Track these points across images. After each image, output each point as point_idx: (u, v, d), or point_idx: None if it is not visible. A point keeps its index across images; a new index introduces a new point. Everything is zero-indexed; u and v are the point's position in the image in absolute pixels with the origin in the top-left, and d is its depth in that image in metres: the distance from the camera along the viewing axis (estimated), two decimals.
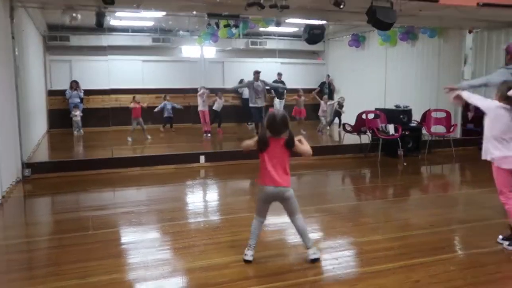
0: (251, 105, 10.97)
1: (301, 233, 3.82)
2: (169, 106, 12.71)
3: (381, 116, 9.74)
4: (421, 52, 12.20)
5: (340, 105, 12.61)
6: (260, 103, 10.93)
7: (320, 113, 12.36)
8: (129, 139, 10.75)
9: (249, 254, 3.80)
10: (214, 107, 12.59)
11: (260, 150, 3.73)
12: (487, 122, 4.07)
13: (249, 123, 13.73)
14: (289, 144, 3.72)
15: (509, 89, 3.92)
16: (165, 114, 12.74)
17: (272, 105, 14.50)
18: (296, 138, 3.79)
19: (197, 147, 9.91)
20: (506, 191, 4.02)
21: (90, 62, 13.47)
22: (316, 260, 3.77)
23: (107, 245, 4.24)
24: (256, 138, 3.79)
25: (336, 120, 12.69)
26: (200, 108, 11.71)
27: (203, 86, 12.13)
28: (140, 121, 11.13)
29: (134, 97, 11.36)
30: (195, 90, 12.39)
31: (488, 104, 4.05)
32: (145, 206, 5.74)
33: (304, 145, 3.80)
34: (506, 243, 4.13)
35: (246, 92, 14.03)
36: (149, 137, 11.00)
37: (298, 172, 7.84)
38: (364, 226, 4.80)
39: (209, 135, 11.46)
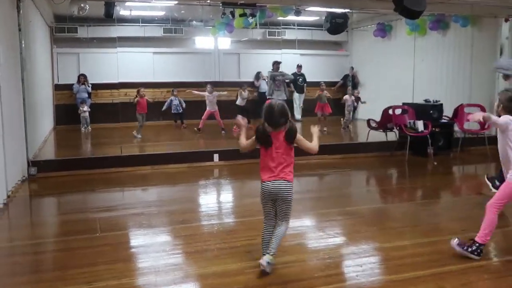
0: (268, 97, 10.86)
1: (277, 238, 3.67)
2: (175, 102, 12.62)
3: (409, 112, 9.64)
4: (452, 42, 12.02)
5: (357, 98, 12.50)
6: (280, 96, 10.77)
7: (346, 108, 12.14)
8: (138, 135, 10.77)
9: (263, 260, 3.66)
10: (238, 102, 12.48)
11: (264, 147, 3.68)
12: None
13: None
14: (289, 137, 3.63)
15: (510, 99, 3.86)
16: (173, 110, 12.65)
17: (292, 100, 14.48)
18: (311, 130, 3.78)
19: (211, 144, 9.94)
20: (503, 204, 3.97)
21: (99, 55, 13.60)
22: (266, 267, 3.57)
23: (116, 249, 4.28)
24: (254, 137, 3.73)
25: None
26: (208, 108, 11.63)
27: (209, 83, 12.00)
28: (144, 116, 11.09)
29: (138, 90, 11.28)
30: (210, 84, 12.35)
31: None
32: (156, 207, 5.78)
33: (313, 141, 3.75)
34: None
35: (263, 86, 14.03)
36: (139, 136, 10.86)
37: (319, 172, 7.81)
38: (391, 231, 4.76)
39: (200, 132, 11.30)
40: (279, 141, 3.65)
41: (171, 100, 12.64)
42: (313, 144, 3.77)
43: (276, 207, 3.72)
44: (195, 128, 11.57)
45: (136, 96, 11.16)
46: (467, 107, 10.21)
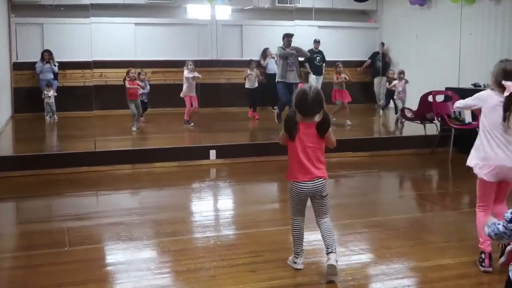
0: (278, 80, 10.80)
1: (330, 235, 4.01)
2: (146, 88, 12.10)
3: (453, 98, 9.58)
4: (508, 12, 11.94)
5: (389, 81, 12.41)
6: (293, 78, 10.72)
7: (397, 95, 11.83)
8: (134, 128, 10.78)
9: (299, 262, 4.10)
10: (247, 85, 12.43)
11: (288, 137, 3.95)
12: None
13: (275, 108, 13.72)
14: (321, 129, 3.90)
15: (506, 73, 3.97)
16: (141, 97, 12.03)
17: (307, 83, 14.44)
18: None
19: (206, 138, 9.94)
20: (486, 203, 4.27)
21: (68, 26, 13.60)
22: (333, 268, 3.86)
23: (88, 266, 4.28)
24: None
25: (390, 103, 12.53)
26: (186, 93, 11.35)
27: (191, 60, 11.79)
28: (138, 104, 11.08)
29: (128, 71, 11.26)
30: (207, 63, 12.28)
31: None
32: (138, 216, 5.79)
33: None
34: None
35: (271, 67, 14.00)
36: (135, 129, 10.93)
37: (341, 173, 7.80)
38: (430, 246, 4.75)
39: (192, 124, 11.21)
40: (310, 132, 3.91)
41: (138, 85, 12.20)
42: (334, 139, 4.04)
43: (313, 205, 4.06)
44: (185, 122, 11.44)
45: (125, 79, 11.13)
46: None
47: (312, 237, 4.60)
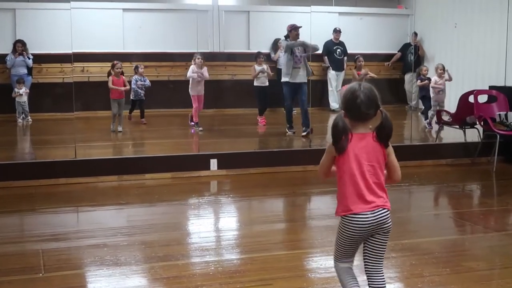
0: (284, 79, 10.82)
1: None
2: (141, 82, 12.28)
3: (498, 99, 9.58)
4: None
5: (421, 79, 12.35)
6: (300, 77, 10.74)
7: (433, 94, 11.73)
8: (119, 128, 10.82)
9: None
10: (256, 83, 12.40)
11: (337, 151, 3.46)
12: None
13: None
14: (383, 134, 3.51)
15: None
16: (133, 96, 12.27)
17: (325, 80, 14.47)
18: None
19: (206, 145, 9.97)
20: None
21: (44, 12, 13.68)
22: None
23: None
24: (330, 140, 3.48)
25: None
26: (195, 93, 11.36)
27: (199, 53, 11.79)
28: (122, 102, 11.16)
29: (113, 65, 11.29)
30: (207, 57, 12.33)
31: None
32: (125, 237, 5.80)
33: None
34: None
35: (283, 61, 14.02)
36: (120, 129, 11.05)
37: None
38: (470, 274, 4.73)
39: (200, 129, 11.23)
40: (367, 146, 3.49)
41: (136, 81, 12.27)
42: (397, 163, 3.66)
43: (369, 245, 3.53)
44: (191, 123, 11.40)
45: (110, 74, 11.18)
46: None
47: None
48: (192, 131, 11.30)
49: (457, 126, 9.80)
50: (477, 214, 7.01)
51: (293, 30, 10.73)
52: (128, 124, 11.53)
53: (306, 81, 10.76)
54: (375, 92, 3.49)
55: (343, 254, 3.55)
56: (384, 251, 3.53)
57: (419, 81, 12.37)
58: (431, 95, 11.66)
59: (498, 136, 9.00)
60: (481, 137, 9.56)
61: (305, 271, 4.88)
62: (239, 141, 10.84)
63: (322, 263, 4.88)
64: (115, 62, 11.27)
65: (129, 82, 11.80)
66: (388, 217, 3.46)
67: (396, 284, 4.58)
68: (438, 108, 11.35)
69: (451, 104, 10.18)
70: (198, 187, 7.95)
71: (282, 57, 14.05)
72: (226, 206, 7.32)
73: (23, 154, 9.99)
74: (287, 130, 10.99)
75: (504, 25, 11.59)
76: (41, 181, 7.78)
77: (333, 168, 3.56)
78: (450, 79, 11.51)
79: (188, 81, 11.35)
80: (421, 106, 12.66)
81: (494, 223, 6.55)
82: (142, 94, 12.20)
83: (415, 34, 15.12)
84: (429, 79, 12.38)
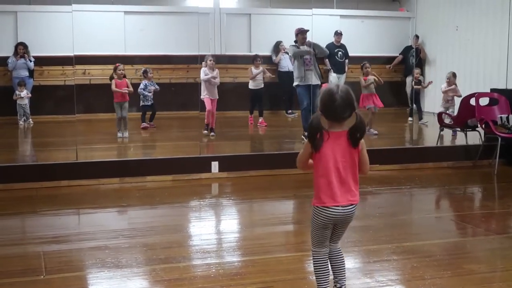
0: (296, 83, 10.70)
1: (343, 267, 3.97)
2: (151, 87, 12.28)
3: (500, 102, 9.58)
4: None
5: (416, 83, 12.37)
6: (314, 79, 10.54)
7: (442, 102, 11.51)
8: (120, 134, 10.82)
9: None
10: (251, 85, 12.43)
11: (313, 148, 3.73)
12: None
13: (289, 112, 13.76)
14: (355, 134, 3.70)
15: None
16: (143, 101, 12.28)
17: (327, 83, 14.46)
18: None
19: (207, 147, 9.97)
20: None
21: (46, 15, 13.71)
22: None
23: None
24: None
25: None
26: (205, 96, 11.25)
27: (210, 55, 11.76)
28: (125, 106, 11.14)
29: (116, 68, 11.28)
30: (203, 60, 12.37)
31: None
32: (126, 239, 5.80)
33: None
34: None
35: (285, 63, 14.04)
36: (126, 135, 11.05)
37: (366, 189, 7.79)
38: (471, 277, 4.72)
39: (212, 134, 11.13)
40: (340, 141, 3.72)
41: (146, 86, 12.28)
42: (367, 158, 3.89)
43: (333, 230, 3.92)
44: (205, 131, 11.26)
45: (112, 78, 11.16)
46: None
47: None
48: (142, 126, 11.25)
49: (459, 129, 9.80)
50: (478, 216, 7.00)
51: (300, 34, 10.63)
52: (130, 127, 11.53)
53: (319, 83, 10.62)
54: (351, 95, 3.71)
55: (318, 240, 3.88)
56: (341, 235, 3.96)
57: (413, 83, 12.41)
58: (442, 102, 11.51)
59: (500, 139, 8.99)
60: (483, 139, 9.56)
61: (306, 273, 4.87)
62: (240, 144, 10.85)
63: None
64: (117, 64, 11.24)
65: (133, 84, 11.77)
66: (354, 212, 3.82)
67: (397, 286, 4.58)
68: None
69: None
70: (199, 190, 7.96)
71: (283, 59, 14.13)
72: (227, 209, 7.33)
73: (25, 157, 9.99)
74: (303, 137, 10.94)
75: (506, 27, 11.59)
76: (42, 184, 7.79)
77: (310, 161, 3.84)
78: (457, 92, 11.30)
79: (196, 83, 11.31)
80: (425, 109, 12.69)
81: (495, 226, 6.54)
82: (151, 98, 12.23)
83: (417, 36, 15.11)
84: (420, 82, 12.44)
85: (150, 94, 12.15)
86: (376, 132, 11.19)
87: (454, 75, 11.32)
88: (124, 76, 11.12)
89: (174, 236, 5.97)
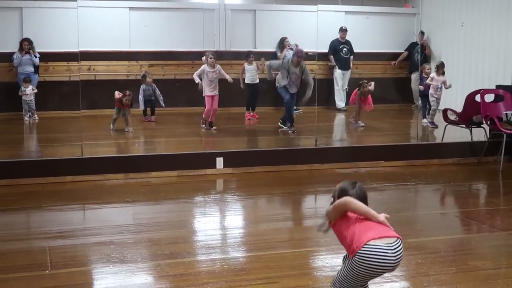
0: (278, 85, 10.99)
1: None
2: (149, 93, 12.28)
3: (505, 98, 9.56)
4: None
5: (425, 77, 12.35)
6: (294, 89, 10.98)
7: (431, 91, 11.67)
8: (126, 129, 10.89)
9: None
10: (247, 80, 12.50)
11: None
12: None
13: (294, 108, 13.73)
14: None
15: None
16: (141, 106, 12.35)
17: (331, 79, 14.47)
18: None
19: (212, 143, 9.98)
20: None
21: (51, 11, 13.70)
22: None
23: None
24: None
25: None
26: (208, 93, 11.22)
27: (210, 52, 11.72)
28: (125, 112, 11.12)
29: (128, 97, 11.08)
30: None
31: None
32: (131, 234, 5.81)
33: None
34: None
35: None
36: (130, 129, 11.11)
37: (371, 186, 7.78)
38: (476, 273, 4.73)
39: (214, 128, 11.17)
40: None
41: (143, 90, 12.26)
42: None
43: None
44: (203, 126, 11.30)
45: (120, 101, 11.20)
46: None
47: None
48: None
49: (464, 125, 9.78)
50: (483, 213, 7.00)
51: (297, 56, 10.76)
52: (134, 122, 11.54)
53: (296, 91, 11.07)
54: (365, 193, 3.67)
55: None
56: None
57: (421, 83, 12.36)
58: (430, 91, 11.59)
59: (505, 136, 8.97)
60: (488, 136, 9.54)
61: (311, 269, 4.89)
62: (245, 140, 10.85)
63: (328, 261, 4.89)
64: (127, 93, 11.11)
65: (137, 80, 11.79)
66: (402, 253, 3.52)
67: (402, 282, 4.58)
68: (437, 105, 11.34)
69: (457, 103, 10.13)
70: (204, 185, 7.97)
71: (288, 55, 14.06)
72: (232, 204, 7.34)
73: (30, 152, 10.01)
74: (280, 124, 11.16)
75: (511, 24, 11.56)
76: (47, 179, 7.81)
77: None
78: (446, 84, 11.41)
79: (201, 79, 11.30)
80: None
81: (500, 223, 6.54)
82: (150, 96, 12.27)
83: (422, 33, 15.08)
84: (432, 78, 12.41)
85: (148, 96, 12.25)
86: (363, 124, 11.28)
87: (441, 65, 11.40)
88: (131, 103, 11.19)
89: (179, 231, 5.98)
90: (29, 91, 12.50)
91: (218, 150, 8.85)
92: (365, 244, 3.37)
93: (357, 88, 11.69)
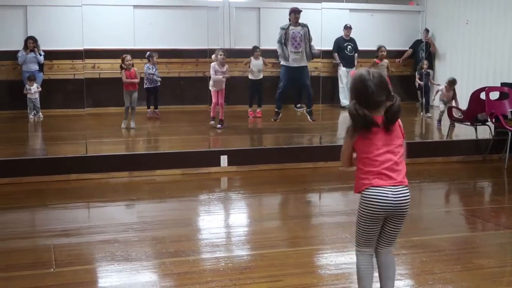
0: (282, 63, 10.84)
1: (391, 275, 3.71)
2: (152, 71, 12.34)
3: (510, 96, 9.54)
4: None
5: (420, 74, 12.34)
6: (298, 61, 10.67)
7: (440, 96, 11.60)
8: (124, 125, 10.90)
9: None
10: (251, 76, 12.50)
11: (364, 132, 3.51)
12: None
13: (298, 106, 13.73)
14: (389, 116, 3.53)
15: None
16: (146, 84, 12.32)
17: (336, 77, 14.47)
18: None
19: (217, 141, 9.98)
20: None
21: (55, 9, 13.71)
22: None
23: None
24: (349, 125, 3.56)
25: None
26: (211, 89, 11.31)
27: (221, 49, 11.77)
28: (135, 96, 11.22)
29: (123, 58, 11.33)
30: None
31: None
32: (136, 232, 5.82)
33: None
34: None
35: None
36: (133, 126, 11.15)
37: None
38: (481, 272, 4.73)
39: (219, 126, 11.10)
40: (381, 129, 3.55)
41: (148, 68, 12.36)
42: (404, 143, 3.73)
43: (384, 227, 3.67)
44: (212, 122, 11.20)
45: (122, 68, 11.22)
46: None
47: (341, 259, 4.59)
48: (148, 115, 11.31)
49: (469, 123, 9.77)
50: (488, 211, 6.99)
51: (293, 13, 10.74)
52: (138, 120, 11.55)
53: (306, 64, 10.79)
54: (385, 78, 3.52)
55: (364, 237, 3.66)
56: (395, 235, 3.70)
57: (417, 77, 12.39)
58: (441, 92, 11.57)
59: (510, 133, 8.96)
60: (493, 134, 9.53)
61: (315, 267, 4.89)
62: (250, 138, 10.84)
63: (332, 259, 4.89)
64: (124, 55, 11.35)
65: (141, 78, 11.82)
66: (407, 197, 3.65)
67: (407, 281, 4.58)
68: (445, 107, 11.29)
69: (462, 101, 10.12)
70: (208, 184, 7.97)
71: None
72: (236, 203, 7.34)
73: (35, 150, 10.03)
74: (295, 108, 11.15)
75: None
76: (52, 177, 7.82)
77: (354, 155, 3.65)
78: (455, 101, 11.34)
79: (205, 78, 11.34)
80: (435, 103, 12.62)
81: (505, 221, 6.53)
82: (157, 81, 12.35)
83: (427, 30, 15.05)
84: (429, 74, 12.42)
85: (154, 74, 12.30)
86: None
87: (453, 82, 11.27)
88: (132, 65, 11.20)
89: (183, 230, 5.99)
90: (34, 89, 12.51)
91: (223, 148, 8.86)
92: (366, 189, 3.53)
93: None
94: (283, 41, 10.72)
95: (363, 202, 3.56)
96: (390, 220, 3.61)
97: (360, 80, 3.49)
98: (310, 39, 10.77)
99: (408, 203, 3.61)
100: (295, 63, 10.67)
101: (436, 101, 12.55)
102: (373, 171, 3.53)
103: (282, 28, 10.95)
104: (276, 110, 10.92)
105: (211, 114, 11.15)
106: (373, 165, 3.54)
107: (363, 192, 3.56)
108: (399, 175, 3.61)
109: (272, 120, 10.93)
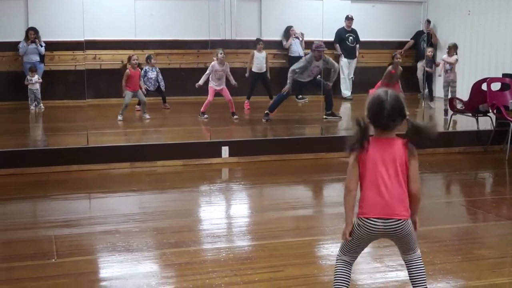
0: (293, 75, 10.93)
1: (421, 280, 3.69)
2: (152, 74, 12.41)
3: None
4: None
5: (427, 63, 12.31)
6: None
7: (443, 76, 11.64)
8: (120, 118, 10.92)
9: None
10: (254, 69, 12.46)
11: (360, 149, 3.49)
12: None
13: (299, 97, 13.72)
14: (415, 140, 3.57)
15: None
16: (147, 87, 12.39)
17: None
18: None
19: (217, 132, 9.97)
20: None
21: (56, 1, 13.68)
22: None
23: (79, 281, 4.34)
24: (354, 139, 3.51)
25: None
26: (211, 85, 11.30)
27: (221, 48, 11.77)
28: (139, 92, 11.33)
29: (130, 58, 11.41)
30: (219, 44, 12.33)
31: None
32: (137, 223, 5.84)
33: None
34: None
35: (295, 48, 14.00)
36: (147, 116, 11.23)
37: None
38: (482, 262, 4.74)
39: (205, 116, 11.15)
40: (389, 154, 3.52)
41: (146, 71, 12.36)
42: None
43: (395, 243, 3.73)
44: (200, 115, 11.39)
45: (127, 66, 11.23)
46: None
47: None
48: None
49: (470, 114, 9.76)
50: (489, 202, 7.00)
51: (317, 51, 10.70)
52: (138, 113, 11.57)
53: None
54: (401, 100, 3.50)
55: (349, 249, 3.67)
56: (410, 245, 3.67)
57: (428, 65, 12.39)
58: (442, 74, 11.58)
59: (511, 124, 8.96)
60: (494, 125, 9.53)
61: (316, 258, 4.90)
62: (251, 129, 10.84)
63: (333, 250, 4.88)
64: (131, 54, 11.44)
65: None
66: (402, 226, 3.54)
67: (407, 271, 4.57)
68: (450, 89, 11.27)
69: (464, 92, 10.10)
70: (209, 174, 7.98)
71: (294, 44, 14.07)
72: (237, 193, 7.35)
73: (36, 141, 10.04)
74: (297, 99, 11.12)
75: None
76: (53, 168, 7.83)
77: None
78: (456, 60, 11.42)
79: (206, 68, 11.31)
80: (437, 94, 12.61)
81: (506, 211, 6.53)
82: (155, 83, 12.37)
83: (428, 21, 15.02)
84: (434, 62, 12.42)
85: (152, 78, 12.29)
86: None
87: (454, 46, 11.31)
88: (138, 66, 11.21)
89: (185, 220, 6.00)
90: (35, 80, 12.52)
91: (224, 139, 8.86)
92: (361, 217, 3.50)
93: (382, 78, 11.56)
94: (299, 71, 10.89)
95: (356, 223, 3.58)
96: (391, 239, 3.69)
97: (376, 102, 3.47)
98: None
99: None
100: (308, 78, 10.90)
101: (440, 87, 12.55)
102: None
103: (305, 61, 10.99)
104: (268, 111, 10.86)
105: (202, 109, 11.18)
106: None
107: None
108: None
109: (263, 120, 10.86)
